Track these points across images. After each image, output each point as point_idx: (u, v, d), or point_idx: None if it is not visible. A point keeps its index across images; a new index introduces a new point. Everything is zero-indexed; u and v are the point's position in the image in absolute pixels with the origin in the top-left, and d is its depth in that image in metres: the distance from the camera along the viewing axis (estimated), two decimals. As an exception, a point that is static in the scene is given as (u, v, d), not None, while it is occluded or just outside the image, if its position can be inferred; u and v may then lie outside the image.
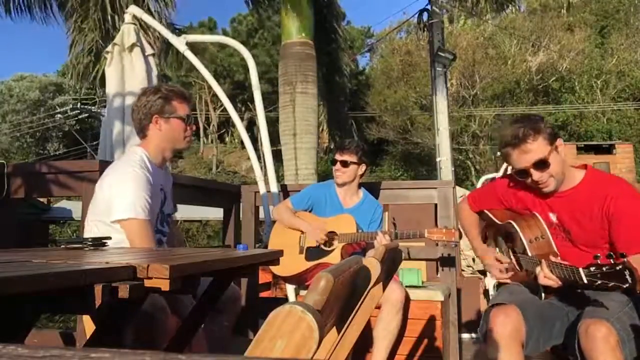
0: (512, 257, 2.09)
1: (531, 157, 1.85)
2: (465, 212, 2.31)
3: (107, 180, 1.95)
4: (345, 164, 2.89)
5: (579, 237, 1.92)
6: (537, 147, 1.84)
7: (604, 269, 1.58)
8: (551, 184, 1.89)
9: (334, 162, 2.94)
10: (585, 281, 1.62)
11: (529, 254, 1.92)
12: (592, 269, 1.61)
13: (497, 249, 2.20)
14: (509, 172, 2.55)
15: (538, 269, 1.84)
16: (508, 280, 2.12)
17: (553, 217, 1.97)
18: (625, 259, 1.56)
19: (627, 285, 1.54)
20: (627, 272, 1.54)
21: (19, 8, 8.20)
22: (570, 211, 1.92)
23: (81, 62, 8.02)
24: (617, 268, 1.56)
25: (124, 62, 3.36)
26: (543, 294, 1.90)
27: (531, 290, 1.96)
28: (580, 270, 1.63)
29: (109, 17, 7.16)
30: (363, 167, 2.94)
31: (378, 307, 2.57)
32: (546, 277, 1.79)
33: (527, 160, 1.86)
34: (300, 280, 3.00)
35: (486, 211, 2.20)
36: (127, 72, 3.34)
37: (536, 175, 1.87)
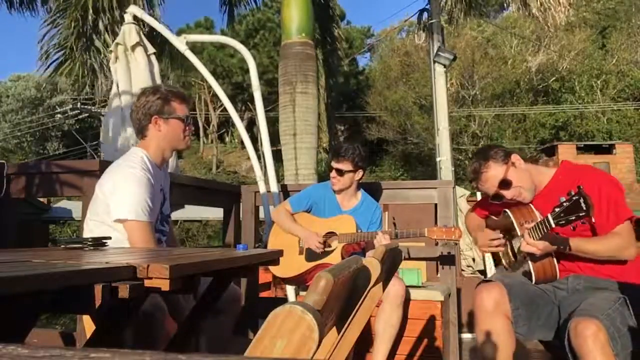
0: (508, 247, 2.15)
1: (493, 182, 2.03)
2: (473, 219, 2.43)
3: (109, 181, 1.94)
4: (340, 172, 2.86)
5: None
6: (493, 172, 2.02)
7: (565, 205, 1.71)
8: (525, 195, 2.03)
9: (330, 168, 2.91)
10: (554, 225, 1.74)
11: (519, 234, 2.01)
12: (557, 209, 1.73)
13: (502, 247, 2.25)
14: None
15: (520, 240, 1.94)
16: (495, 249, 2.22)
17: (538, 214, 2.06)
18: (580, 189, 1.68)
19: (583, 213, 1.65)
20: (581, 200, 1.66)
21: (19, 3, 8.17)
22: (548, 206, 1.98)
23: (50, 57, 8.00)
24: (574, 199, 1.68)
25: (128, 61, 3.39)
26: (533, 275, 1.98)
27: (524, 277, 2.05)
28: (549, 215, 1.77)
29: (90, 17, 7.13)
30: (360, 173, 2.91)
31: (378, 304, 2.58)
32: (528, 243, 1.88)
33: (491, 185, 2.03)
34: (301, 281, 3.00)
35: (491, 216, 2.30)
36: (132, 71, 3.37)
37: (508, 194, 2.02)
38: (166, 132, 2.05)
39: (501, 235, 2.15)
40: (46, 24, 7.82)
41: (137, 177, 1.90)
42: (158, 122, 2.04)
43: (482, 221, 2.38)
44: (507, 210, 2.08)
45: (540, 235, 1.84)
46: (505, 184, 2.01)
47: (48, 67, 8.06)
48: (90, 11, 7.07)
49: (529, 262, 1.99)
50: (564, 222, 1.72)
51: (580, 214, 1.67)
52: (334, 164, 2.88)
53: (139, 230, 1.86)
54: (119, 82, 3.35)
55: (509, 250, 2.15)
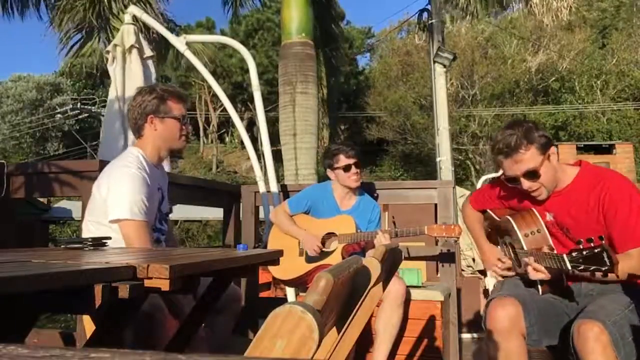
0: (511, 253, 2.10)
1: (522, 167, 1.85)
2: (469, 211, 2.35)
3: (105, 181, 1.94)
4: (358, 165, 2.87)
5: (577, 234, 1.91)
6: (528, 158, 1.84)
7: (584, 253, 1.60)
8: (542, 192, 1.91)
9: (347, 167, 2.85)
10: (569, 267, 1.64)
11: (525, 248, 1.93)
12: (574, 254, 1.63)
13: (499, 246, 2.21)
14: None
15: (526, 262, 1.86)
16: (508, 273, 2.13)
17: (550, 216, 1.98)
18: (602, 242, 1.58)
19: (606, 268, 1.56)
20: (604, 255, 1.56)
21: (14, 7, 8.15)
22: (566, 209, 1.93)
23: (71, 38, 8.03)
24: (596, 251, 1.58)
25: (125, 63, 3.38)
26: (540, 288, 1.91)
27: (529, 285, 1.97)
28: (564, 256, 1.65)
29: None
30: None
31: (378, 304, 2.58)
32: (535, 269, 1.81)
33: (518, 169, 1.87)
34: (301, 283, 2.99)
35: (489, 210, 2.24)
36: (126, 73, 3.36)
37: (526, 184, 1.88)
38: (162, 131, 2.04)
39: (510, 263, 2.07)
40: (60, 11, 7.80)
41: (132, 176, 1.90)
42: (154, 122, 2.03)
43: (479, 215, 2.29)
44: (509, 217, 2.02)
45: (549, 267, 1.77)
46: (532, 174, 1.86)
47: (69, 50, 8.08)
48: None
49: (537, 281, 1.91)
50: (582, 268, 1.62)
51: (602, 268, 1.57)
52: (351, 160, 2.84)
53: (135, 229, 1.85)
54: (117, 85, 3.35)
55: (511, 253, 2.10)
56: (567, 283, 1.93)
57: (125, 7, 6.75)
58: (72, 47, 8.20)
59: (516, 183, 1.92)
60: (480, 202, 2.29)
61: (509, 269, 2.08)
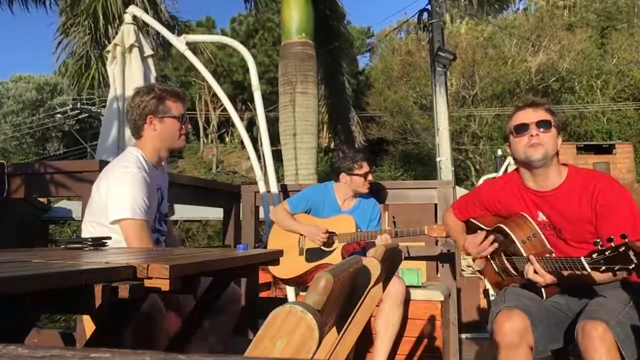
0: (505, 261, 2.06)
1: (539, 116, 1.93)
2: (452, 221, 2.28)
3: (104, 182, 1.94)
4: (371, 173, 2.94)
5: (569, 234, 1.92)
6: (547, 115, 1.93)
7: (606, 253, 1.55)
8: (540, 150, 1.89)
9: (366, 175, 2.90)
10: (589, 270, 1.60)
11: (523, 254, 1.90)
12: (595, 255, 1.58)
13: (488, 255, 2.18)
14: (508, 172, 2.55)
15: (527, 266, 1.84)
16: (483, 262, 2.12)
17: (542, 216, 1.96)
18: (627, 240, 1.52)
19: (633, 265, 1.50)
20: (631, 253, 1.50)
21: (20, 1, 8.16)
22: (558, 209, 1.92)
23: (72, 67, 8.11)
24: (621, 250, 1.52)
25: (125, 63, 3.37)
26: (544, 294, 1.89)
27: (532, 292, 1.94)
28: (582, 259, 1.61)
29: (101, 25, 7.16)
30: None
31: (378, 304, 2.58)
32: (536, 272, 1.79)
33: (534, 116, 1.93)
34: (301, 282, 3.00)
35: (472, 220, 2.19)
36: (126, 73, 3.35)
37: (534, 130, 1.91)
38: (161, 131, 2.04)
39: (510, 269, 2.03)
40: (59, 32, 7.86)
41: (131, 176, 1.90)
42: (153, 122, 2.02)
43: (463, 225, 2.23)
44: (502, 225, 1.99)
45: (557, 269, 1.74)
46: (545, 124, 1.90)
47: (74, 82, 8.15)
48: (101, 18, 7.10)
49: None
50: (603, 269, 1.56)
51: (630, 267, 1.51)
52: (368, 168, 2.90)
53: (137, 228, 1.85)
54: (116, 84, 3.34)
55: (505, 262, 2.05)
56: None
57: None
58: (73, 75, 8.27)
59: (522, 132, 1.92)
60: (464, 211, 2.23)
61: (486, 247, 2.06)
